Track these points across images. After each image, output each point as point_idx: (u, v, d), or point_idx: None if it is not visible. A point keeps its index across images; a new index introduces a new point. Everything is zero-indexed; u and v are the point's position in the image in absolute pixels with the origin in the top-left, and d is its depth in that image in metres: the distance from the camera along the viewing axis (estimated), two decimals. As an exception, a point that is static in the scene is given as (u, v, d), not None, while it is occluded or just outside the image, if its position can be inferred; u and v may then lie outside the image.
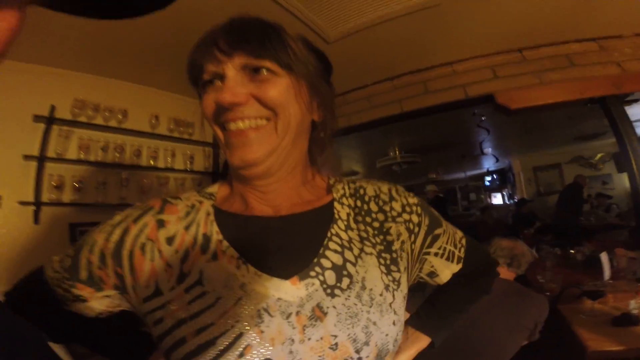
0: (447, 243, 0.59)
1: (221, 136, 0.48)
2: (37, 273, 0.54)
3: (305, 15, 1.64)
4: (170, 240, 0.47)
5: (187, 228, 0.48)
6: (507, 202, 8.03)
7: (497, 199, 8.80)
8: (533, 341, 1.38)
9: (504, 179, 8.20)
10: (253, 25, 0.46)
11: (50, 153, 1.92)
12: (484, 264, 0.68)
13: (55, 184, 1.90)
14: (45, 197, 1.88)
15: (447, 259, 0.59)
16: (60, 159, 1.94)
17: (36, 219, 1.84)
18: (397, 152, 4.91)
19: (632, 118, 2.02)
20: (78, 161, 2.01)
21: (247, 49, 0.44)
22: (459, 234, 0.63)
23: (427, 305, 0.66)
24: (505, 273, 1.58)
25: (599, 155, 6.29)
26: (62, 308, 0.50)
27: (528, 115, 2.79)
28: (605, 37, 2.03)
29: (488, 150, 5.43)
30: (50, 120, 1.90)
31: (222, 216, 0.50)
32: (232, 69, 0.45)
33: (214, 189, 0.55)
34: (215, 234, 0.47)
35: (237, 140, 0.45)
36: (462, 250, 0.61)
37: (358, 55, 2.13)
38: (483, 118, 3.46)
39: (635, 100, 2.10)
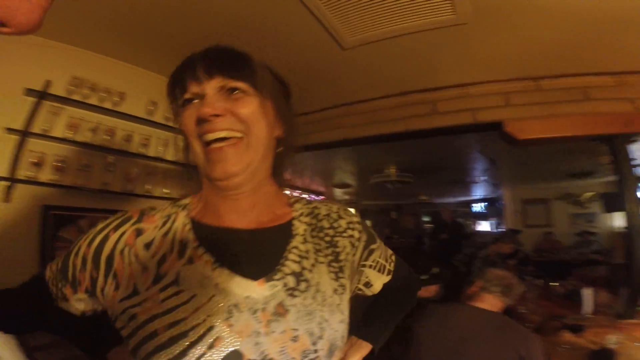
0: (380, 257, 0.71)
1: (201, 152, 0.54)
2: (41, 272, 0.61)
3: (326, 17, 1.58)
4: (147, 245, 0.53)
5: (164, 235, 0.54)
6: (493, 231, 8.10)
7: (481, 227, 8.90)
8: None
9: (492, 208, 8.28)
10: (228, 53, 0.55)
11: (36, 129, 1.79)
12: (408, 278, 0.81)
13: (34, 161, 1.76)
14: (22, 174, 1.73)
15: (379, 270, 0.71)
16: (44, 136, 1.81)
17: (7, 197, 1.69)
18: (392, 170, 4.88)
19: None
20: (63, 140, 1.88)
21: (224, 73, 0.53)
22: (389, 251, 0.76)
23: (365, 318, 0.76)
24: (495, 303, 1.58)
25: (587, 195, 6.43)
26: (54, 305, 0.57)
27: (528, 146, 2.80)
28: (624, 72, 1.99)
29: (484, 178, 5.46)
30: (42, 95, 1.80)
31: (197, 226, 0.56)
32: (211, 88, 0.53)
33: (187, 200, 0.61)
34: (192, 242, 0.54)
35: (217, 156, 0.52)
36: (392, 264, 0.75)
37: (370, 66, 2.08)
38: (486, 146, 3.45)
39: (636, 140, 2.10)
